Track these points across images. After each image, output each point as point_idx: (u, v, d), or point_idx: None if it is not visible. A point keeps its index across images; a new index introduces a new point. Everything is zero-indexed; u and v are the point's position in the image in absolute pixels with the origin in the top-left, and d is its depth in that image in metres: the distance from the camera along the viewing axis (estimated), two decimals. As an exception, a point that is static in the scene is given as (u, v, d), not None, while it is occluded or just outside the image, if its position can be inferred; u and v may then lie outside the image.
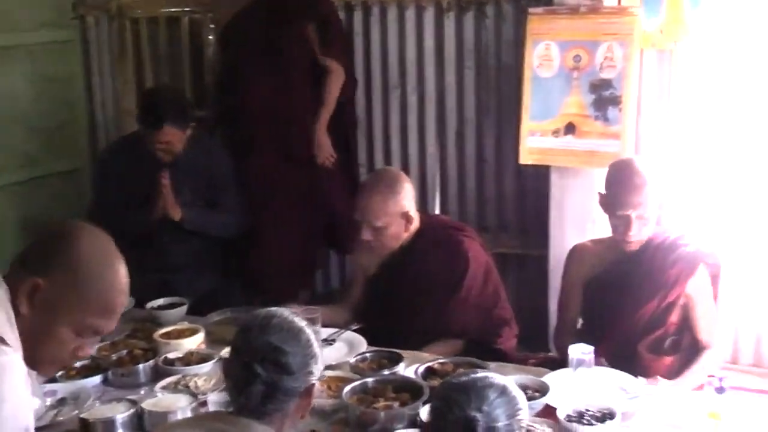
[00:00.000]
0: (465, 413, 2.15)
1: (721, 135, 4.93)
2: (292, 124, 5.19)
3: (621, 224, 3.61)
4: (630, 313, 3.65)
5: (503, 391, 2.21)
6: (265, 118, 5.18)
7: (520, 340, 4.17)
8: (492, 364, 3.38)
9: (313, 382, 2.40)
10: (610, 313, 3.70)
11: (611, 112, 4.57)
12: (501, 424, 2.16)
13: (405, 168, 5.40)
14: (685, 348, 3.69)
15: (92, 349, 2.39)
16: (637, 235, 3.61)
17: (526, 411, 2.26)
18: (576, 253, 3.95)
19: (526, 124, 4.73)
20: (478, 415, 2.14)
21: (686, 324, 3.69)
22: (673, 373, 3.56)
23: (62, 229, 2.34)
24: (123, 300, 2.32)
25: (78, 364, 3.45)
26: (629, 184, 3.60)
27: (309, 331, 2.42)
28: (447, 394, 2.26)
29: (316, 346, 2.41)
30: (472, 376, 2.27)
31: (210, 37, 5.93)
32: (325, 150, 5.23)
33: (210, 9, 5.86)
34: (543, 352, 4.27)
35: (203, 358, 3.53)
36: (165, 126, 4.48)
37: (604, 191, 3.73)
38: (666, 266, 3.64)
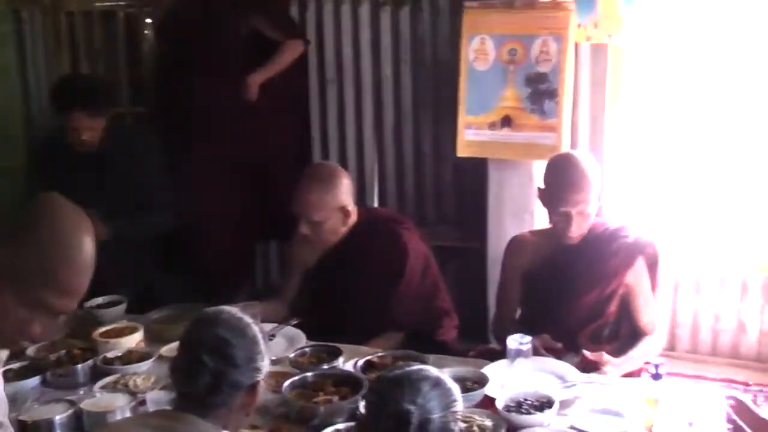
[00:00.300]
0: (399, 406, 2.15)
1: (657, 126, 5.02)
2: (229, 118, 5.16)
3: (562, 221, 3.61)
4: (570, 303, 3.68)
5: (437, 383, 2.22)
6: (203, 113, 5.14)
7: (460, 332, 4.20)
8: (431, 357, 3.40)
9: (259, 378, 2.42)
10: (549, 304, 3.72)
11: (547, 105, 4.61)
12: (435, 416, 2.16)
13: (343, 162, 5.42)
14: (624, 336, 3.74)
15: (46, 332, 2.28)
16: (578, 231, 3.64)
17: (460, 403, 2.27)
18: (515, 244, 3.96)
19: (463, 117, 4.75)
20: (412, 408, 2.14)
21: (625, 312, 3.73)
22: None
23: (36, 201, 2.31)
24: (80, 281, 2.23)
25: (16, 365, 3.42)
26: (570, 182, 3.59)
27: (256, 328, 2.45)
28: (381, 388, 2.27)
29: (262, 343, 2.44)
30: (406, 369, 2.27)
31: (146, 31, 5.89)
32: (251, 96, 5.16)
33: (146, 3, 5.82)
34: (483, 343, 4.29)
35: (142, 357, 3.51)
36: (75, 112, 4.41)
37: (543, 186, 3.75)
38: (606, 257, 3.67)
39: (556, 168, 3.71)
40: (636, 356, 3.63)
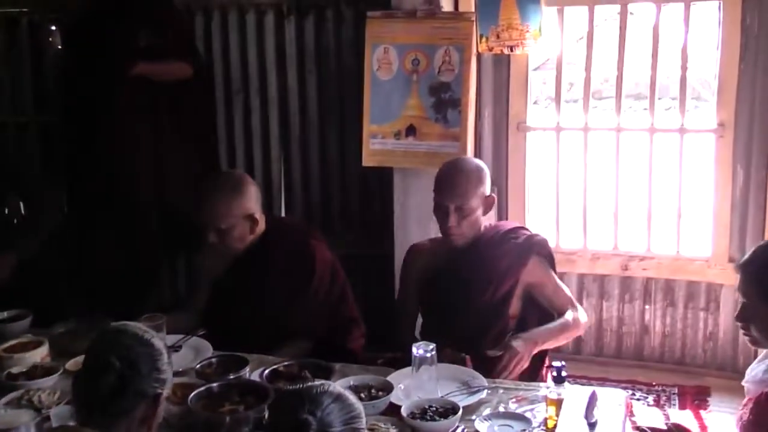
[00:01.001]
0: (298, 416, 2.16)
1: (561, 136, 5.11)
2: (132, 129, 5.11)
3: (441, 216, 3.68)
4: (464, 308, 3.71)
5: (338, 397, 2.23)
6: (106, 122, 5.09)
7: (369, 340, 4.21)
8: (337, 365, 3.42)
9: (162, 391, 2.45)
10: (446, 310, 3.75)
11: (451, 114, 4.66)
12: (335, 429, 2.18)
13: (250, 171, 5.41)
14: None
15: None
16: (458, 228, 3.67)
17: (363, 419, 2.28)
18: (413, 252, 4.00)
19: (368, 126, 4.79)
20: (311, 419, 2.15)
21: (531, 311, 3.75)
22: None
23: None
24: None
25: None
26: (449, 179, 3.68)
27: (161, 343, 2.49)
28: (282, 400, 2.29)
29: (166, 357, 2.48)
30: (309, 383, 2.28)
31: (50, 38, 5.80)
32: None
33: (51, 10, 5.73)
34: (392, 351, 4.30)
35: (47, 371, 3.44)
36: None
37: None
38: (496, 259, 3.71)
39: (441, 170, 3.78)
40: (556, 329, 3.65)
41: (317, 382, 2.30)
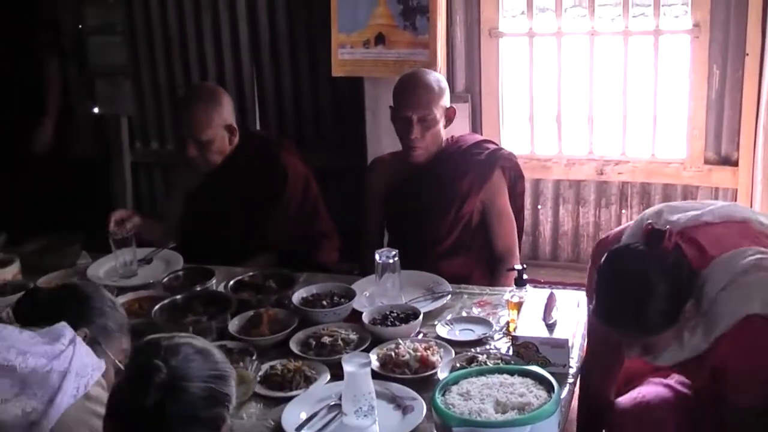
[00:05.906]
0: (149, 361, 1.94)
1: (535, 40, 5.07)
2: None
3: (403, 128, 3.67)
4: (428, 224, 3.71)
5: (202, 351, 2.01)
6: None
7: (344, 253, 4.22)
8: (303, 275, 3.45)
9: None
10: (410, 226, 3.75)
11: (419, 21, 4.60)
12: (191, 384, 1.94)
13: (222, 85, 5.33)
14: (477, 248, 3.82)
15: None
16: (421, 141, 3.65)
17: (230, 382, 2.03)
18: (374, 166, 4.00)
19: (336, 36, 4.73)
20: (162, 365, 1.92)
21: (480, 226, 3.76)
22: (463, 274, 3.65)
23: None
24: None
25: None
26: (410, 89, 3.68)
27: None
28: (142, 345, 2.05)
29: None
30: (175, 335, 2.07)
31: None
32: None
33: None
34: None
35: (18, 288, 3.47)
36: None
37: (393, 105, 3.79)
38: (459, 176, 3.69)
39: (400, 81, 3.78)
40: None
41: (184, 334, 2.11)
